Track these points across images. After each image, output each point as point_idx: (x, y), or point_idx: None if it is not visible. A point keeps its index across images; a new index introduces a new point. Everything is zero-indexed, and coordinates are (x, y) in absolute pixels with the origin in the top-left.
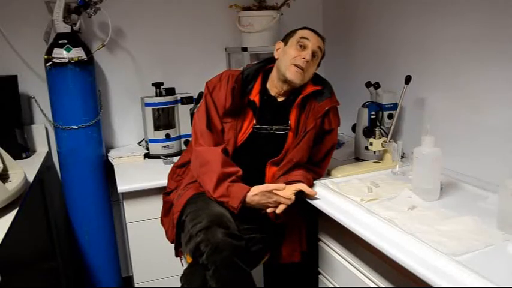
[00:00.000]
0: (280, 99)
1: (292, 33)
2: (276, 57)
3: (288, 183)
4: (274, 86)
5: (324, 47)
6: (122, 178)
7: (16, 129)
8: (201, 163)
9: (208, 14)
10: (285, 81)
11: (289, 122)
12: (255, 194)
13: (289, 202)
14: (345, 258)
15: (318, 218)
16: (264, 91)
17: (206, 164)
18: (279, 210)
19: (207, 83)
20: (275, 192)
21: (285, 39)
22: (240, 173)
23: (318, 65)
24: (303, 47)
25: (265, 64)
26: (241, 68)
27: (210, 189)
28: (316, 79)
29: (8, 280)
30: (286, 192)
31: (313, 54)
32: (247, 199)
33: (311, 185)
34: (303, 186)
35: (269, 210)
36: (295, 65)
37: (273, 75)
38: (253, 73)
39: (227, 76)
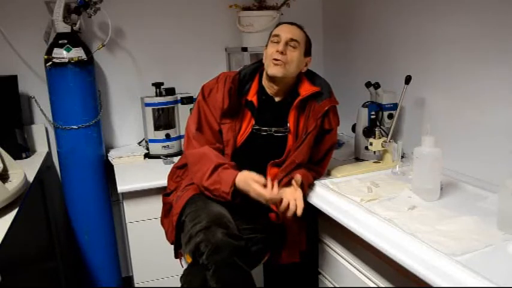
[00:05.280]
0: (277, 99)
1: (270, 34)
2: (263, 62)
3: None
4: (267, 87)
5: (306, 33)
6: (122, 178)
7: (16, 129)
8: (193, 162)
9: (208, 14)
10: (271, 78)
11: (288, 124)
12: (244, 176)
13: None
14: (345, 258)
15: (318, 218)
16: (261, 91)
17: (200, 158)
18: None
19: (203, 87)
20: (254, 185)
21: (267, 43)
22: (233, 164)
23: (309, 54)
24: (277, 43)
25: (262, 64)
26: (238, 69)
27: (203, 178)
28: (314, 79)
29: (8, 280)
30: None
31: (288, 44)
32: (237, 182)
33: (311, 185)
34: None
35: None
36: (272, 60)
37: (264, 76)
38: (250, 73)
39: (224, 78)
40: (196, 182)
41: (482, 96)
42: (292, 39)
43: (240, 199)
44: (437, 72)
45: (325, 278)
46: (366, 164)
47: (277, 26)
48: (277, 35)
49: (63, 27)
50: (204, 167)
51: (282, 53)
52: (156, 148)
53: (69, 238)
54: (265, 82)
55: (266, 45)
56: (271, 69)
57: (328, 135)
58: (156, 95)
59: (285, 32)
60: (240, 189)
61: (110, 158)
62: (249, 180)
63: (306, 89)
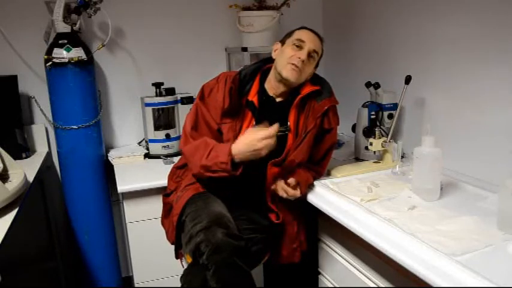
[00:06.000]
0: (278, 99)
1: (290, 33)
2: (273, 57)
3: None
4: (271, 87)
5: (322, 47)
6: (122, 178)
7: (16, 129)
8: (190, 154)
9: (208, 14)
10: (281, 80)
11: (289, 123)
12: (239, 143)
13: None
14: (345, 258)
15: (318, 218)
16: (262, 91)
17: (197, 147)
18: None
19: (203, 86)
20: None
21: (283, 40)
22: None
23: (317, 66)
24: (299, 47)
25: (263, 64)
26: (238, 69)
27: (202, 160)
28: (315, 79)
29: (8, 280)
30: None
31: (310, 55)
32: (234, 151)
33: (310, 184)
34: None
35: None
36: (291, 64)
37: (271, 75)
38: (250, 73)
39: (224, 77)
40: (196, 169)
41: (482, 96)
42: (314, 51)
43: (242, 169)
44: (437, 72)
45: (325, 278)
46: (366, 164)
47: (300, 28)
48: (302, 41)
49: (63, 27)
50: (201, 152)
51: (303, 61)
52: (156, 148)
53: (69, 238)
54: (270, 82)
55: (282, 42)
56: (287, 72)
57: (328, 134)
58: (156, 95)
59: (311, 41)
60: (241, 156)
61: (110, 158)
62: (251, 134)
63: (307, 88)
